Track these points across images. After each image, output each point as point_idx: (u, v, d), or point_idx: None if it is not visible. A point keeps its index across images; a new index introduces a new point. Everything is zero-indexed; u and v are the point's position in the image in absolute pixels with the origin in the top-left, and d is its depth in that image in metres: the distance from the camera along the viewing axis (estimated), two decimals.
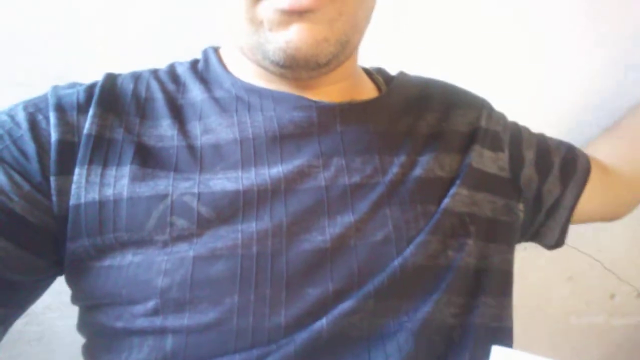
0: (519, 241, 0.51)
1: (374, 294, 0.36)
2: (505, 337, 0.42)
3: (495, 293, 0.42)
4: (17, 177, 0.35)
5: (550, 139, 0.55)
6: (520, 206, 0.48)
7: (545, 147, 0.53)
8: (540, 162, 0.51)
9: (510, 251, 0.45)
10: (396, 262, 0.37)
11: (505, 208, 0.45)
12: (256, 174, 0.37)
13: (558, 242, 0.54)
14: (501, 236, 0.44)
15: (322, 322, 0.35)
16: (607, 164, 0.57)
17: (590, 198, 0.53)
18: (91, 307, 0.38)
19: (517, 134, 0.51)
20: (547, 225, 0.52)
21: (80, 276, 0.37)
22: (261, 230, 0.35)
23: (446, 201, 0.40)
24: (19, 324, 0.40)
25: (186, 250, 0.35)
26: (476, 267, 0.41)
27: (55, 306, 0.59)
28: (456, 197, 0.41)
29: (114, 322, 0.37)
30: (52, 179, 0.36)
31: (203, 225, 0.35)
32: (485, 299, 0.40)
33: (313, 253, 0.36)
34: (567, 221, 0.52)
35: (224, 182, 0.37)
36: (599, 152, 0.58)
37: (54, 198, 0.36)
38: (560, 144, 0.55)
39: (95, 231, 0.36)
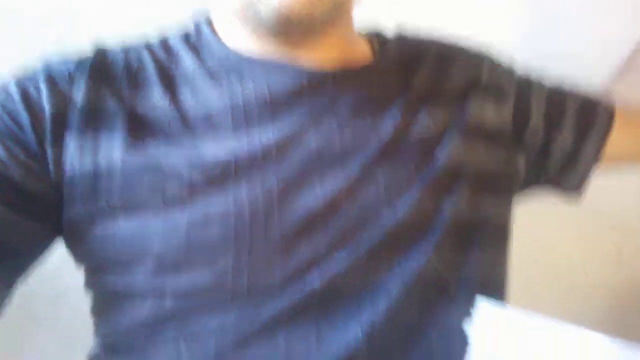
0: (526, 193, 0.50)
1: (367, 252, 0.37)
2: (498, 292, 0.43)
3: (490, 247, 0.42)
4: (13, 147, 0.36)
5: (568, 88, 0.51)
6: (522, 159, 0.46)
7: (559, 97, 0.50)
8: (551, 113, 0.48)
9: (507, 205, 0.45)
10: (389, 220, 0.37)
11: (503, 161, 0.44)
12: (247, 140, 0.37)
13: (576, 193, 0.51)
14: (497, 189, 0.43)
15: (316, 281, 0.36)
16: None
17: (618, 143, 0.49)
18: (92, 270, 0.40)
19: (526, 85, 0.49)
20: (565, 176, 0.49)
21: (78, 242, 0.38)
22: (253, 195, 0.36)
23: (440, 156, 0.40)
24: (33, 284, 0.42)
25: (179, 216, 0.36)
26: (470, 220, 0.41)
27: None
28: (451, 151, 0.41)
29: (115, 284, 0.38)
30: (47, 148, 0.37)
31: (195, 191, 0.36)
32: (479, 253, 0.41)
33: (305, 215, 0.36)
34: (586, 173, 0.49)
35: (215, 149, 0.37)
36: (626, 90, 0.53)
37: (51, 167, 0.37)
38: (577, 92, 0.51)
39: (89, 200, 0.36)
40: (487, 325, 0.27)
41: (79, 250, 0.39)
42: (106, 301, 0.40)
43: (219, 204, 0.36)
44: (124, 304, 0.38)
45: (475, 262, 0.40)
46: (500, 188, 0.44)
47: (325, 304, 0.36)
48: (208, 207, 0.36)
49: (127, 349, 0.38)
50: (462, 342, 0.28)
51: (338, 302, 0.37)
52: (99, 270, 0.39)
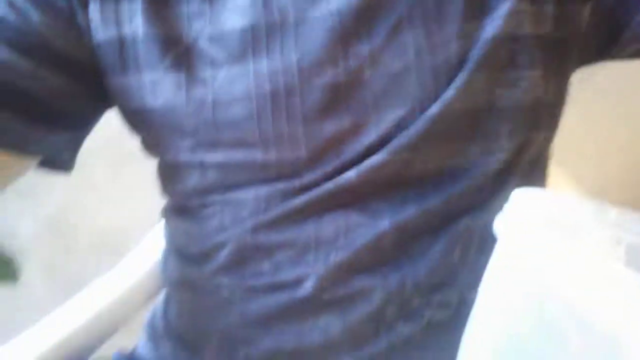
0: (586, 59, 0.41)
1: (407, 146, 0.35)
2: (544, 173, 0.41)
3: (545, 128, 0.39)
4: (50, 13, 0.35)
5: None
6: (586, 11, 0.38)
7: None
8: None
9: (566, 79, 0.39)
10: (434, 109, 0.35)
11: (564, 18, 0.37)
12: (264, 5, 0.36)
13: None
14: (558, 60, 0.37)
15: (352, 174, 0.36)
16: None
17: None
18: (143, 141, 0.41)
19: None
20: None
21: (123, 114, 0.39)
22: (272, 69, 0.35)
23: (493, 22, 0.34)
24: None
25: (204, 95, 0.36)
26: (530, 103, 0.37)
27: None
28: (509, 16, 0.34)
29: (164, 155, 0.40)
30: (77, 15, 0.36)
31: (216, 66, 0.36)
32: (536, 134, 0.38)
33: (326, 88, 0.35)
34: None
35: (233, 18, 0.36)
36: None
37: (84, 34, 0.37)
38: None
39: (117, 71, 0.37)
40: (521, 217, 0.24)
41: (125, 120, 0.40)
42: (161, 169, 0.43)
43: (240, 82, 0.35)
44: (175, 174, 0.40)
45: (532, 144, 0.38)
46: (560, 56, 0.38)
47: (358, 196, 0.37)
48: (230, 85, 0.35)
49: (186, 211, 0.42)
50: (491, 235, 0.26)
51: (371, 194, 0.37)
52: (148, 143, 0.40)
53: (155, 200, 0.44)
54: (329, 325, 0.38)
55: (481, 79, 0.35)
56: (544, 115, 0.38)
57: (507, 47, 0.35)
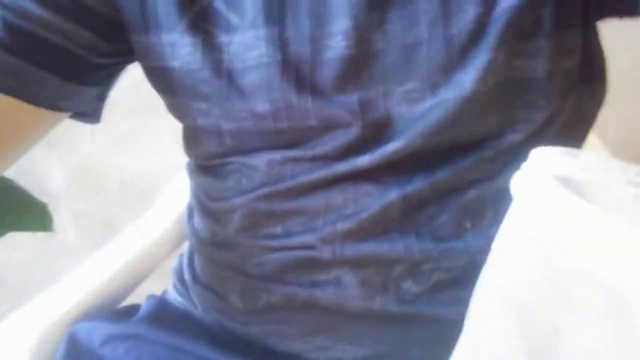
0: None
1: (422, 133, 0.35)
2: (577, 137, 0.40)
3: (576, 94, 0.36)
4: None
5: None
6: None
7: None
8: None
9: (594, 33, 0.37)
10: (450, 93, 0.34)
11: None
12: None
13: None
14: (581, 18, 0.35)
15: (365, 159, 0.36)
16: None
17: None
18: (165, 100, 0.41)
19: None
20: None
21: (144, 70, 0.40)
22: (284, 38, 0.35)
23: None
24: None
25: (218, 61, 0.36)
26: (555, 70, 0.35)
27: None
28: None
29: (184, 119, 0.40)
30: None
31: (230, 32, 0.36)
32: (563, 102, 0.36)
33: (337, 60, 0.35)
34: None
35: None
36: None
37: None
38: None
39: (138, 29, 0.37)
40: (539, 176, 0.24)
41: (149, 80, 0.40)
42: (184, 132, 0.44)
43: (253, 49, 0.35)
44: (195, 137, 0.42)
45: (565, 112, 0.37)
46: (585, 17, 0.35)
47: (369, 171, 0.37)
48: (244, 53, 0.35)
49: (207, 169, 0.43)
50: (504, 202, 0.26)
51: (381, 170, 0.37)
52: (169, 104, 0.41)
53: (180, 147, 0.45)
54: (340, 279, 0.40)
55: (501, 55, 0.33)
56: (573, 81, 0.36)
57: (533, 13, 0.33)
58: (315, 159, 0.38)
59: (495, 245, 0.26)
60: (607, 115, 0.41)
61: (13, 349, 0.45)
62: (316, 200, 0.39)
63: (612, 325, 0.21)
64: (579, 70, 0.36)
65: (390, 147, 0.36)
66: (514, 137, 0.36)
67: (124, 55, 0.40)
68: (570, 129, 0.39)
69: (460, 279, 0.38)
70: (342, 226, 0.38)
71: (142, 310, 0.48)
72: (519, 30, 0.33)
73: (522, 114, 0.36)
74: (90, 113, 0.42)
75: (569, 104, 0.37)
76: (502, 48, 0.33)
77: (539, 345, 0.24)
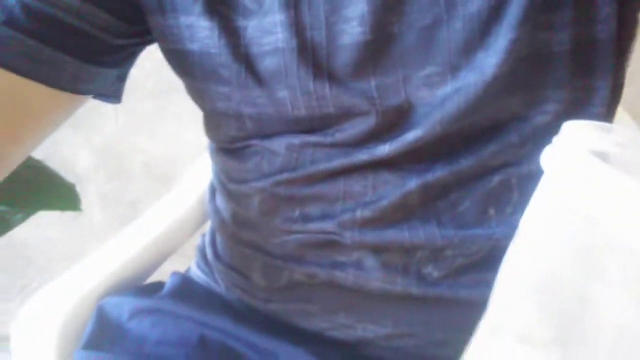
0: None
1: (441, 121, 0.34)
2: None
3: (605, 72, 0.34)
4: None
5: None
6: None
7: None
8: None
9: (628, 8, 0.34)
10: (472, 78, 0.33)
11: None
12: None
13: None
14: None
15: (385, 148, 0.36)
16: None
17: None
18: (185, 84, 0.41)
19: None
20: None
21: (163, 53, 0.40)
22: (301, 23, 0.34)
23: None
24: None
25: (236, 46, 0.35)
26: (582, 45, 0.33)
27: None
28: None
29: (204, 102, 0.40)
30: None
31: (248, 17, 0.35)
32: (590, 81, 0.34)
33: (353, 46, 0.34)
34: None
35: None
36: None
37: None
38: None
39: (155, 11, 0.37)
40: (571, 150, 0.23)
41: (168, 62, 0.40)
42: (205, 116, 0.43)
43: (270, 35, 0.35)
44: (216, 121, 0.41)
45: (597, 91, 0.35)
46: None
47: (389, 160, 0.37)
48: (261, 38, 0.35)
49: (228, 151, 0.43)
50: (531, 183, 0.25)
51: (402, 163, 0.37)
52: (190, 88, 0.40)
53: (201, 129, 0.45)
54: (361, 261, 0.40)
55: (525, 31, 0.32)
56: (606, 54, 0.34)
57: None
58: (334, 146, 0.37)
59: (523, 221, 0.25)
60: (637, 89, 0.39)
61: (44, 324, 0.47)
62: (335, 187, 0.39)
63: None
64: (612, 42, 0.34)
65: (411, 136, 0.35)
66: (541, 120, 0.35)
67: (143, 36, 0.39)
68: (603, 107, 0.36)
69: (484, 264, 0.38)
70: (362, 214, 0.38)
71: (167, 287, 0.49)
72: (543, 2, 0.32)
73: (549, 94, 0.34)
74: (111, 94, 0.42)
75: (601, 80, 0.35)
76: (526, 24, 0.32)
77: (565, 321, 0.23)
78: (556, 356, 0.23)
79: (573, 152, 0.23)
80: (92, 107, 0.43)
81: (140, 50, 0.42)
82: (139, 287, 0.51)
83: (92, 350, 0.42)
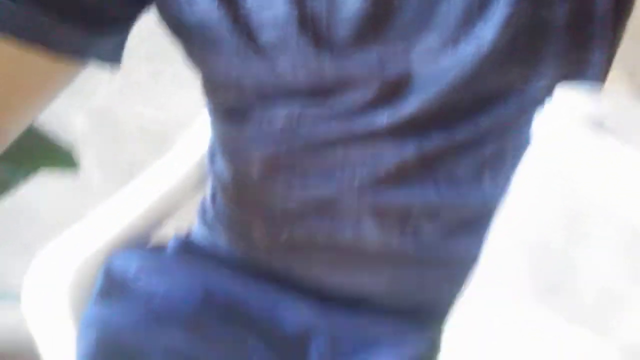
0: None
1: (439, 93, 0.35)
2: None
3: (601, 45, 0.35)
4: None
5: None
6: None
7: None
8: None
9: None
10: (470, 50, 0.33)
11: None
12: None
13: None
14: None
15: (382, 119, 0.37)
16: None
17: None
18: (183, 51, 0.41)
19: None
20: None
21: (161, 19, 0.39)
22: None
23: None
24: None
25: (235, 17, 0.35)
26: (578, 17, 0.33)
27: None
28: None
29: (202, 69, 0.40)
30: None
31: None
32: (587, 54, 0.34)
33: (353, 18, 0.34)
34: None
35: None
36: None
37: None
38: None
39: None
40: (562, 116, 0.24)
41: (167, 28, 0.40)
42: (203, 83, 0.43)
43: (269, 6, 0.35)
44: (214, 88, 0.42)
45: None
46: None
47: (387, 133, 0.37)
48: (260, 9, 0.35)
49: (227, 120, 0.44)
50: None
51: (400, 131, 0.37)
52: (188, 55, 0.40)
53: (198, 93, 0.45)
54: (359, 223, 0.41)
55: (523, 4, 0.32)
56: (598, 31, 0.34)
57: None
58: (333, 116, 0.38)
59: (513, 184, 0.26)
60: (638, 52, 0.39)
61: (55, 280, 0.48)
62: (334, 155, 0.40)
63: (632, 264, 0.21)
64: (608, 16, 0.34)
65: (409, 107, 0.36)
66: (537, 91, 0.35)
67: (143, 4, 0.39)
68: (598, 80, 0.37)
69: (477, 226, 0.38)
70: (360, 179, 0.39)
71: (170, 247, 0.50)
72: None
73: (546, 66, 0.35)
74: (110, 60, 0.41)
75: (597, 53, 0.35)
76: None
77: (552, 283, 0.24)
78: (543, 311, 0.24)
79: (563, 117, 0.24)
80: (84, 72, 0.42)
81: (140, 17, 0.41)
82: (142, 249, 0.52)
83: (101, 306, 0.44)
